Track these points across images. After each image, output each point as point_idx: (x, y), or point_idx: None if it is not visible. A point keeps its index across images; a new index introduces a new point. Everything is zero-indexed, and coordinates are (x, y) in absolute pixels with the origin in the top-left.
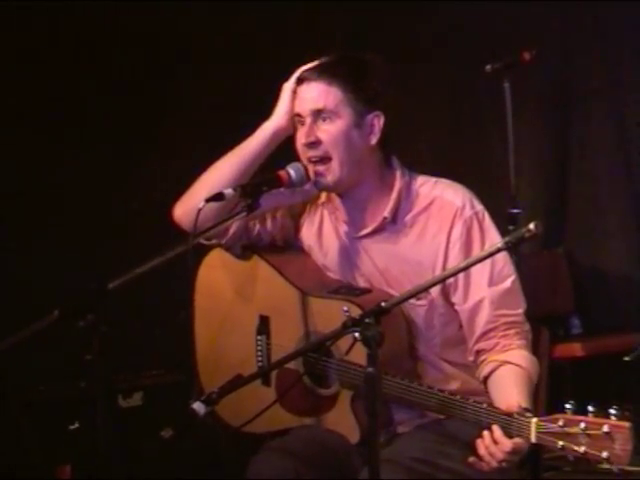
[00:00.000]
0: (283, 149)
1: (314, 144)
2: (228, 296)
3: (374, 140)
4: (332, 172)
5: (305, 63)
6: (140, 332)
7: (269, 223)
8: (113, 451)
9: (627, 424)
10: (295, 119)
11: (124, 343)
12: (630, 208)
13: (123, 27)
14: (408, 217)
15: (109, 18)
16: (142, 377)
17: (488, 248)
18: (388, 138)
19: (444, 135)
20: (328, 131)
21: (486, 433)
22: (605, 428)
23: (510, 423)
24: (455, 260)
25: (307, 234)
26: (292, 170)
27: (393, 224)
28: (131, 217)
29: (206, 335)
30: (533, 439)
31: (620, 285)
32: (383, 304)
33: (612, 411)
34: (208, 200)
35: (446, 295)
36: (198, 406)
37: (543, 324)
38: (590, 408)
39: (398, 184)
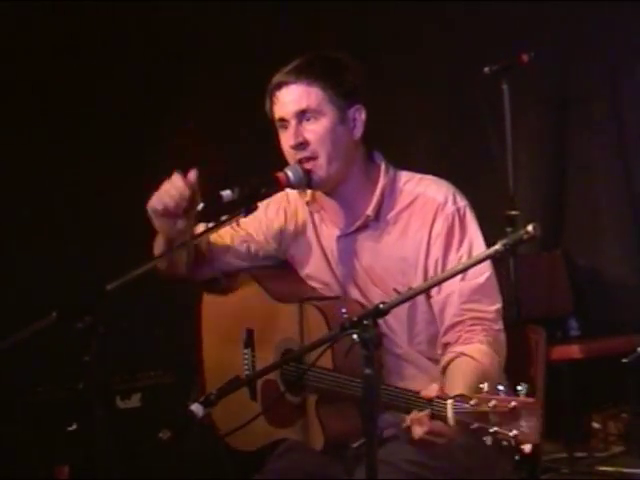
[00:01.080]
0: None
1: (302, 144)
2: (227, 311)
3: (358, 134)
4: (321, 169)
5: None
6: (138, 333)
7: (234, 253)
8: (111, 452)
9: (532, 400)
10: (278, 124)
11: (122, 344)
12: (628, 210)
13: (124, 25)
14: (391, 214)
15: (110, 18)
16: (140, 378)
17: (487, 250)
18: (369, 132)
19: (442, 137)
20: (314, 130)
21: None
22: (511, 404)
23: (432, 407)
24: (435, 255)
25: (291, 244)
26: (290, 172)
27: (376, 222)
28: (131, 218)
29: (212, 349)
30: (450, 420)
31: (618, 287)
32: (381, 306)
33: (519, 388)
34: (205, 203)
35: (428, 293)
36: (196, 408)
37: (541, 326)
38: (500, 387)
39: (382, 181)
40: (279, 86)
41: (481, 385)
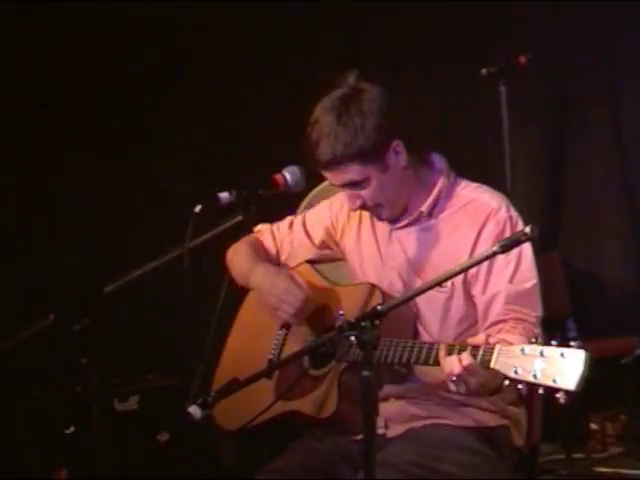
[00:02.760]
0: (282, 151)
1: (363, 207)
2: (268, 306)
3: (403, 163)
4: (386, 212)
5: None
6: (136, 336)
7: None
8: (109, 455)
9: (582, 351)
10: None
11: (120, 347)
12: (626, 213)
13: (121, 26)
14: (445, 213)
15: (108, 18)
16: (138, 381)
17: (484, 251)
18: (413, 147)
19: (439, 138)
20: (367, 192)
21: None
22: (561, 350)
23: (476, 352)
24: None
25: (347, 238)
26: (288, 174)
27: (429, 218)
28: (129, 220)
29: (233, 347)
30: (493, 363)
31: (616, 289)
32: (379, 307)
33: (572, 343)
34: (204, 204)
35: (467, 288)
36: (194, 410)
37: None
38: (553, 342)
39: (440, 183)
40: (319, 166)
41: (553, 341)
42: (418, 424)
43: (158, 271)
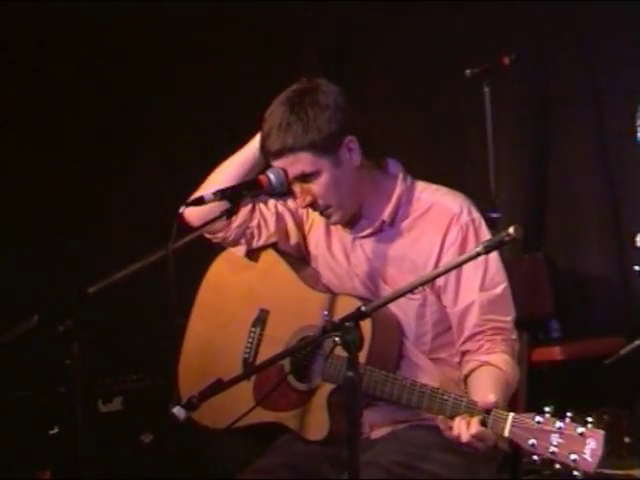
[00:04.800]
0: None
1: (312, 204)
2: (233, 291)
3: (357, 161)
4: (337, 214)
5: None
6: (120, 336)
7: (272, 226)
8: (93, 456)
9: (602, 431)
10: None
11: (104, 348)
12: (609, 213)
13: (111, 23)
14: (407, 221)
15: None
16: (122, 382)
17: (467, 252)
18: (369, 148)
19: (423, 139)
20: (317, 188)
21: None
22: (580, 429)
23: (486, 416)
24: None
25: (313, 238)
26: (272, 175)
27: (391, 227)
28: (114, 221)
29: (197, 330)
30: (506, 432)
31: (599, 289)
32: (363, 308)
33: (589, 419)
34: (188, 205)
35: (437, 294)
36: (178, 411)
37: (523, 328)
38: (569, 414)
39: (398, 189)
40: (270, 157)
41: (546, 408)
42: (402, 425)
43: (142, 272)
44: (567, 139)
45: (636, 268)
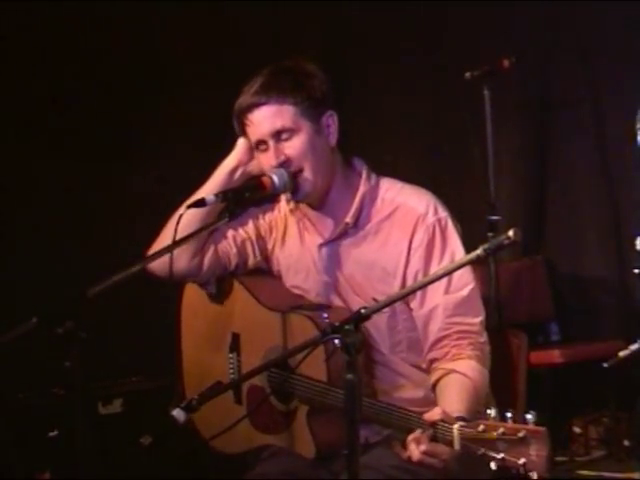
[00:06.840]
0: None
1: (285, 163)
2: (210, 315)
3: (334, 141)
4: (307, 182)
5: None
6: (119, 339)
7: (236, 250)
8: (92, 458)
9: (542, 429)
10: (255, 146)
11: (103, 350)
12: (609, 216)
13: (109, 22)
14: (372, 223)
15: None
16: (122, 384)
17: (467, 255)
18: (345, 138)
19: (424, 142)
20: (293, 147)
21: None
22: (521, 433)
23: (436, 430)
24: (416, 266)
25: (278, 251)
26: (275, 176)
27: (355, 229)
28: (112, 223)
29: (192, 351)
30: (457, 445)
31: (599, 292)
32: (363, 311)
33: (529, 416)
34: (190, 206)
35: (407, 301)
36: (178, 413)
37: (522, 331)
38: (508, 414)
39: (362, 188)
40: (249, 108)
41: (488, 411)
42: None
43: (142, 273)
44: (567, 142)
45: (636, 271)
